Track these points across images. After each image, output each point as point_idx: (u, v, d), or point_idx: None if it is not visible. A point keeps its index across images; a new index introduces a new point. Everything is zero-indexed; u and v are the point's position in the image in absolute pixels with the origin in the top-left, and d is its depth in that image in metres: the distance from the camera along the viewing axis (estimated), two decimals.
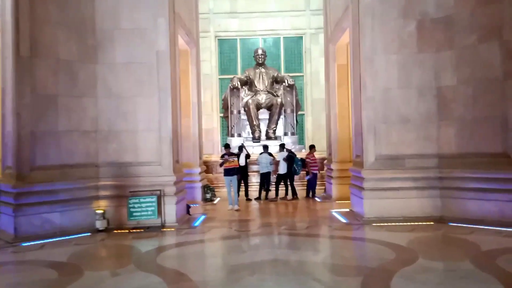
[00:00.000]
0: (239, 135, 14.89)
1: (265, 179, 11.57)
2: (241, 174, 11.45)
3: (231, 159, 10.23)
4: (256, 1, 18.31)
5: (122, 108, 8.51)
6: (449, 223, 7.96)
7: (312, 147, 11.72)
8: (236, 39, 18.55)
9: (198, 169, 11.24)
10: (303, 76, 18.36)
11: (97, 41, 8.42)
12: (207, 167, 13.64)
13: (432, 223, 8.04)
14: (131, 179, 8.37)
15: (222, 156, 10.54)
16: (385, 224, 7.99)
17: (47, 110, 7.87)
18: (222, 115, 17.04)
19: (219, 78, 18.50)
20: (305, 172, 11.79)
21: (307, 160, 11.48)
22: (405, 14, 8.51)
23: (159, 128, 8.49)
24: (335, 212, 9.41)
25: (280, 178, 11.47)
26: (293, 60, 18.64)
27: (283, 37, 18.53)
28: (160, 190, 8.26)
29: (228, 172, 10.27)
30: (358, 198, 8.73)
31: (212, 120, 18.46)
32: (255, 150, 14.40)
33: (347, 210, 9.48)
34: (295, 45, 18.63)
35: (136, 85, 8.51)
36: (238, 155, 11.52)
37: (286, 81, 14.86)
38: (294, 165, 11.16)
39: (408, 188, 8.38)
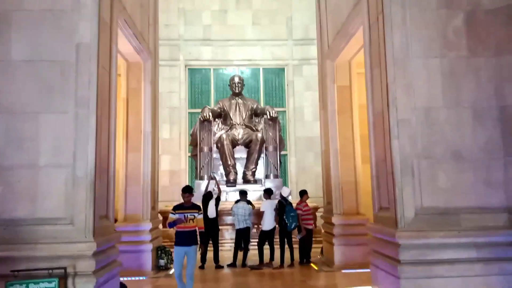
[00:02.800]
0: (210, 177, 11.42)
1: (242, 237, 8.02)
2: (209, 229, 7.93)
3: (189, 215, 5.81)
4: (232, 28, 15.44)
5: (16, 131, 4.98)
6: None
7: (303, 194, 8.28)
8: (209, 69, 15.47)
9: (149, 225, 7.53)
10: (285, 111, 15.26)
11: None
12: (165, 219, 9.97)
13: None
14: (21, 248, 4.74)
15: (174, 209, 5.98)
16: None
17: None
18: (190, 154, 13.55)
19: (189, 112, 15.19)
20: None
21: (298, 211, 8.04)
22: (448, 3, 5.53)
23: (73, 162, 4.98)
24: None
25: (265, 236, 7.95)
26: (274, 94, 15.60)
27: (263, 68, 15.57)
28: (64, 268, 4.63)
29: (182, 239, 5.80)
30: (389, 276, 5.29)
31: (180, 160, 14.95)
32: (230, 197, 10.90)
33: None
34: (276, 77, 15.67)
35: (42, 94, 5.05)
36: (203, 204, 8.01)
37: (268, 113, 11.64)
38: (285, 218, 7.71)
39: (467, 261, 5.05)
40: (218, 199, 8.08)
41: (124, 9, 6.42)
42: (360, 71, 8.45)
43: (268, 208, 7.94)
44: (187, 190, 6.10)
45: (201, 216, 6.02)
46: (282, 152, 13.33)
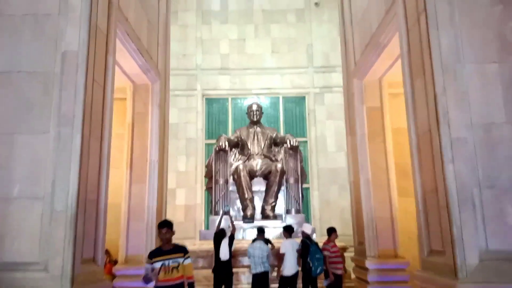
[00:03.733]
0: (226, 213, 10.34)
1: (260, 283, 6.80)
2: (221, 273, 6.77)
3: (171, 263, 4.17)
4: (250, 57, 14.74)
5: None
6: None
7: (331, 232, 6.99)
8: (227, 98, 14.68)
9: None
10: (306, 141, 14.19)
11: None
12: None
13: None
14: None
15: (151, 256, 4.33)
16: None
17: None
18: (205, 186, 12.52)
19: (206, 143, 14.29)
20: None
21: (325, 252, 6.79)
22: None
23: (51, 192, 4.04)
24: None
25: (286, 282, 6.71)
26: (295, 123, 14.60)
27: (282, 97, 14.67)
28: None
29: None
30: None
31: (196, 194, 13.92)
32: (247, 234, 9.74)
33: None
34: (296, 106, 14.73)
35: (19, 111, 4.19)
36: (215, 243, 6.89)
37: (288, 141, 10.58)
38: (310, 260, 6.46)
39: None
40: (232, 238, 6.95)
41: (126, 21, 5.65)
42: (392, 91, 7.42)
43: (289, 249, 6.72)
44: (165, 225, 4.34)
45: (189, 261, 4.34)
46: (304, 185, 12.16)
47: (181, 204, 13.86)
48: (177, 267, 4.19)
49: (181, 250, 4.36)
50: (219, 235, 6.98)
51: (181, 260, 4.24)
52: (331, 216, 13.62)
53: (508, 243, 3.96)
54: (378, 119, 6.95)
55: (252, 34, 14.89)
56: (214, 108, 14.68)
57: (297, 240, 7.09)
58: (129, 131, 6.94)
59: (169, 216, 13.31)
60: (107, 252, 7.39)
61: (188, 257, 4.35)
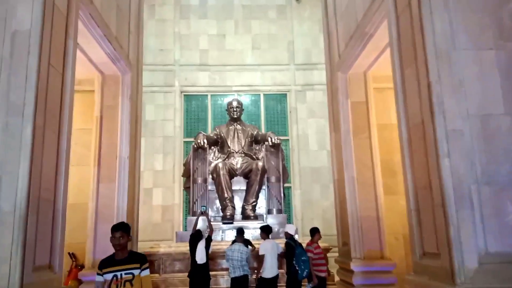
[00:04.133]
0: (204, 213, 9.81)
1: (239, 287, 6.33)
2: (197, 278, 6.27)
3: (124, 275, 3.40)
4: (230, 53, 14.25)
5: None
6: None
7: (315, 233, 6.54)
8: (207, 95, 14.14)
9: None
10: (288, 140, 13.80)
11: None
12: (150, 264, 8.23)
13: None
14: None
15: (101, 267, 3.57)
16: None
17: None
18: (183, 186, 11.95)
19: (184, 141, 13.72)
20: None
21: (309, 254, 6.37)
22: None
23: None
24: None
25: (266, 285, 6.25)
26: (276, 121, 14.18)
27: (264, 94, 14.23)
28: None
29: None
30: None
31: (173, 194, 13.33)
32: (226, 235, 9.25)
33: None
34: (277, 103, 14.32)
35: None
36: (191, 245, 6.41)
37: (269, 139, 10.15)
38: (295, 263, 6.01)
39: None
40: (209, 240, 6.45)
41: (90, 3, 5.10)
42: (378, 86, 7.08)
43: (268, 250, 6.26)
44: (119, 228, 3.60)
45: (146, 273, 3.54)
46: (286, 185, 11.76)
47: (158, 204, 13.26)
48: (131, 280, 3.42)
49: (138, 259, 3.57)
50: (195, 236, 6.47)
51: (136, 271, 3.46)
52: (313, 216, 13.26)
53: (509, 244, 3.61)
54: (363, 114, 6.58)
55: (232, 30, 14.42)
56: (193, 105, 14.13)
57: (277, 241, 6.65)
58: (97, 126, 6.37)
59: (145, 217, 12.73)
60: (73, 256, 6.80)
61: (146, 268, 3.56)
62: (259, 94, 14.21)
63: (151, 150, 13.45)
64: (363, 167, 6.43)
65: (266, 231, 6.69)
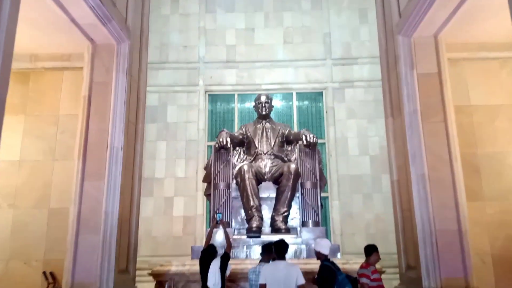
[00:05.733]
0: (227, 224, 8.10)
1: None
2: None
3: None
4: (260, 49, 12.71)
5: None
6: None
7: (372, 251, 4.62)
8: (233, 94, 12.60)
9: None
10: (324, 143, 11.97)
11: None
12: (159, 285, 6.54)
13: None
14: None
15: None
16: None
17: None
18: (204, 193, 10.31)
19: (208, 145, 12.19)
20: None
21: (363, 279, 4.48)
22: None
23: None
24: None
25: None
26: (310, 123, 12.39)
27: (296, 93, 12.53)
28: None
29: None
30: None
31: (196, 203, 11.75)
32: (252, 252, 7.49)
33: None
34: (312, 103, 12.56)
35: None
36: (202, 266, 4.71)
37: (303, 137, 8.36)
38: None
39: None
40: (226, 258, 4.75)
41: None
42: (451, 57, 5.22)
43: (275, 278, 4.26)
44: None
45: None
46: (322, 194, 9.88)
47: (179, 215, 11.71)
48: None
49: None
50: (208, 253, 4.78)
51: None
52: (354, 231, 11.29)
53: None
54: (435, 90, 4.75)
55: (261, 23, 12.90)
56: (218, 106, 12.61)
57: (292, 264, 4.75)
58: (84, 108, 4.88)
59: (165, 229, 11.15)
60: (51, 277, 5.25)
61: None
62: (292, 93, 12.52)
63: (173, 155, 12.00)
64: (437, 161, 4.56)
65: (267, 250, 4.75)
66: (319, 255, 4.85)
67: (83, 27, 4.66)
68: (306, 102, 12.51)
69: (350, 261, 6.75)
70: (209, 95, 12.55)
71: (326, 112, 12.20)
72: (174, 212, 11.71)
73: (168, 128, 12.12)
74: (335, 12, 12.70)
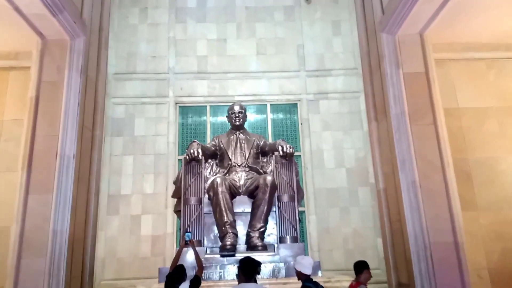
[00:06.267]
0: (199, 242, 7.41)
1: None
2: None
3: None
4: (232, 59, 12.25)
5: None
6: None
7: (362, 269, 4.09)
8: (205, 106, 11.99)
9: None
10: (300, 156, 11.54)
11: None
12: None
13: None
14: None
15: None
16: None
17: None
18: (174, 210, 9.57)
19: (179, 159, 11.49)
20: None
21: None
22: None
23: None
24: None
25: None
26: (285, 135, 11.94)
27: (270, 104, 12.07)
28: None
29: None
30: None
31: (166, 221, 10.92)
32: (226, 273, 6.82)
33: None
34: (287, 115, 12.15)
35: None
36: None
37: (279, 148, 7.91)
38: None
39: None
40: (196, 282, 4.10)
41: None
42: (440, 57, 4.91)
43: None
44: None
45: None
46: (299, 209, 9.35)
47: (147, 234, 10.84)
48: None
49: None
50: (174, 278, 4.11)
51: None
52: (332, 247, 10.78)
53: None
54: (423, 90, 4.41)
55: (234, 34, 12.49)
56: (189, 118, 11.98)
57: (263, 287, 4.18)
58: (31, 111, 4.23)
59: (132, 250, 10.30)
60: None
61: None
62: (265, 105, 12.06)
63: (141, 170, 11.21)
64: (429, 167, 4.17)
65: (246, 268, 4.19)
66: (300, 275, 4.30)
67: (30, 18, 4.02)
68: (280, 114, 12.10)
69: (332, 279, 6.23)
70: (179, 106, 11.93)
71: (301, 124, 11.81)
72: (142, 231, 10.85)
73: (135, 142, 11.36)
74: (308, 24, 12.48)
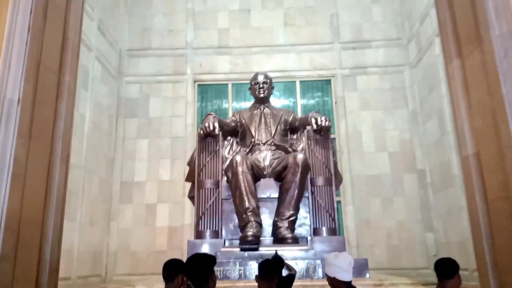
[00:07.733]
0: (215, 233, 6.07)
1: None
2: None
3: None
4: (257, 32, 10.88)
5: None
6: None
7: (453, 271, 2.68)
8: (227, 84, 10.69)
9: None
10: (334, 139, 10.03)
11: None
12: None
13: None
14: None
15: None
16: None
17: None
18: (188, 195, 8.28)
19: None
20: None
21: None
22: None
23: None
24: None
25: None
26: None
27: (300, 81, 10.64)
28: None
29: None
30: None
31: (183, 211, 9.71)
32: (248, 270, 5.45)
33: None
34: (318, 92, 10.67)
35: None
36: None
37: (313, 121, 6.43)
38: None
39: None
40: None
41: None
42: None
43: None
44: None
45: None
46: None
47: (163, 226, 9.68)
48: None
49: None
50: (172, 267, 2.77)
51: None
52: (373, 242, 9.25)
53: None
54: None
55: (258, 4, 11.09)
56: (209, 97, 10.68)
57: None
58: None
59: (146, 243, 9.14)
60: None
61: None
62: (295, 82, 10.61)
63: (156, 154, 10.05)
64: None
65: (268, 270, 2.90)
66: (334, 283, 2.85)
67: None
68: (311, 92, 10.61)
69: (384, 282, 4.74)
70: (198, 85, 10.67)
71: (336, 102, 10.29)
72: (157, 222, 9.70)
73: (150, 124, 10.21)
74: None
